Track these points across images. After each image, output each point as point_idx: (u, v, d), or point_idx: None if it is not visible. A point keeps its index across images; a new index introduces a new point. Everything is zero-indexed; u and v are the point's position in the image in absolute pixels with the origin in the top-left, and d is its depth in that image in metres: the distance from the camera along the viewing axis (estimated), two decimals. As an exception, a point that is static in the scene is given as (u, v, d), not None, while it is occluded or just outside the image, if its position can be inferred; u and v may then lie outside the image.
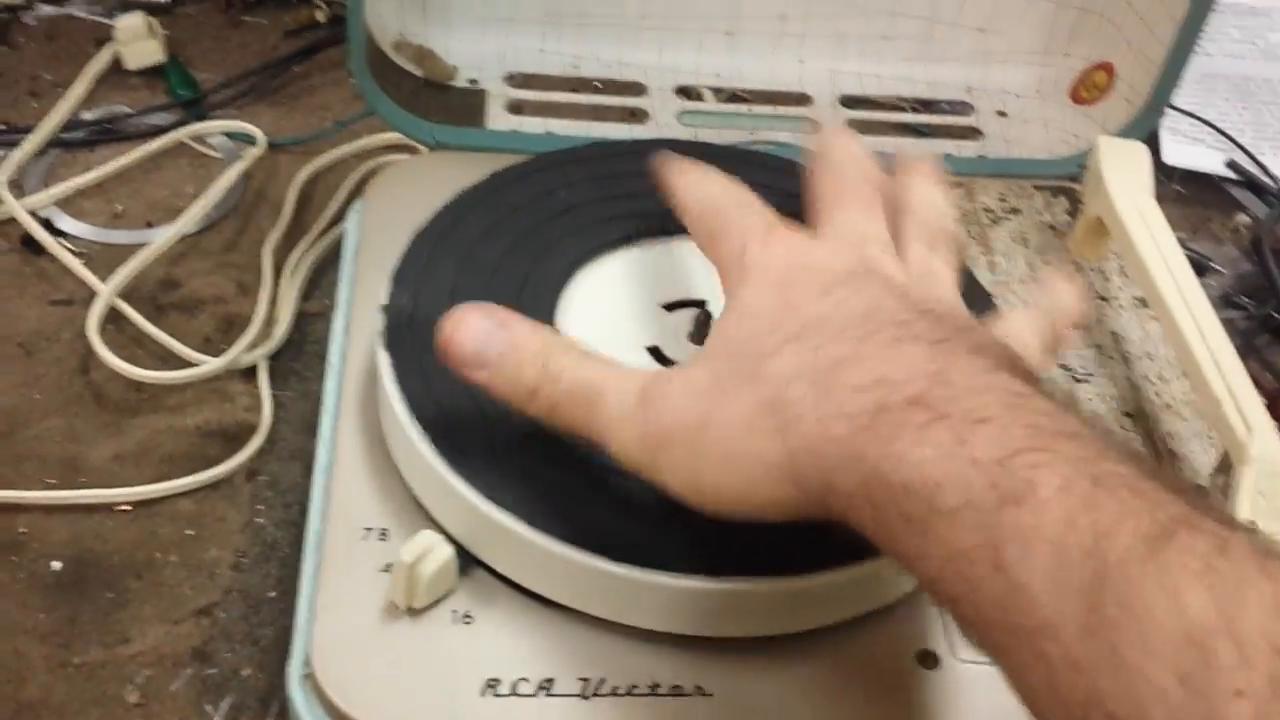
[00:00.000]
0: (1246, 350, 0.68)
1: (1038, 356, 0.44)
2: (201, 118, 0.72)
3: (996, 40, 0.69)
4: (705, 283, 0.51)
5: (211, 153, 0.70)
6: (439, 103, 0.64)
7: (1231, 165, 0.77)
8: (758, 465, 0.36)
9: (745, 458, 0.36)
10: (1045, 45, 0.69)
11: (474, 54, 0.66)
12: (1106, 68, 0.67)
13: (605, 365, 0.40)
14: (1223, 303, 0.71)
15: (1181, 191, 0.78)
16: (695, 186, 0.46)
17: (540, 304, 0.49)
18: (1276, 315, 0.69)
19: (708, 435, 0.37)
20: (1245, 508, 0.43)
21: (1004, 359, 0.36)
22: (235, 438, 0.56)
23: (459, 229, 0.51)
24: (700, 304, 0.50)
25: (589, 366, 0.40)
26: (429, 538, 0.42)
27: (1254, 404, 0.47)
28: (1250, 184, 0.77)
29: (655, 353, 0.49)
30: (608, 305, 0.50)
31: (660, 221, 0.52)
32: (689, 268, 0.51)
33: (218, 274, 0.63)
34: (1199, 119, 0.77)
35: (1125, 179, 0.55)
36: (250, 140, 0.70)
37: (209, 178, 0.68)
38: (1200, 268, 0.69)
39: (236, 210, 0.67)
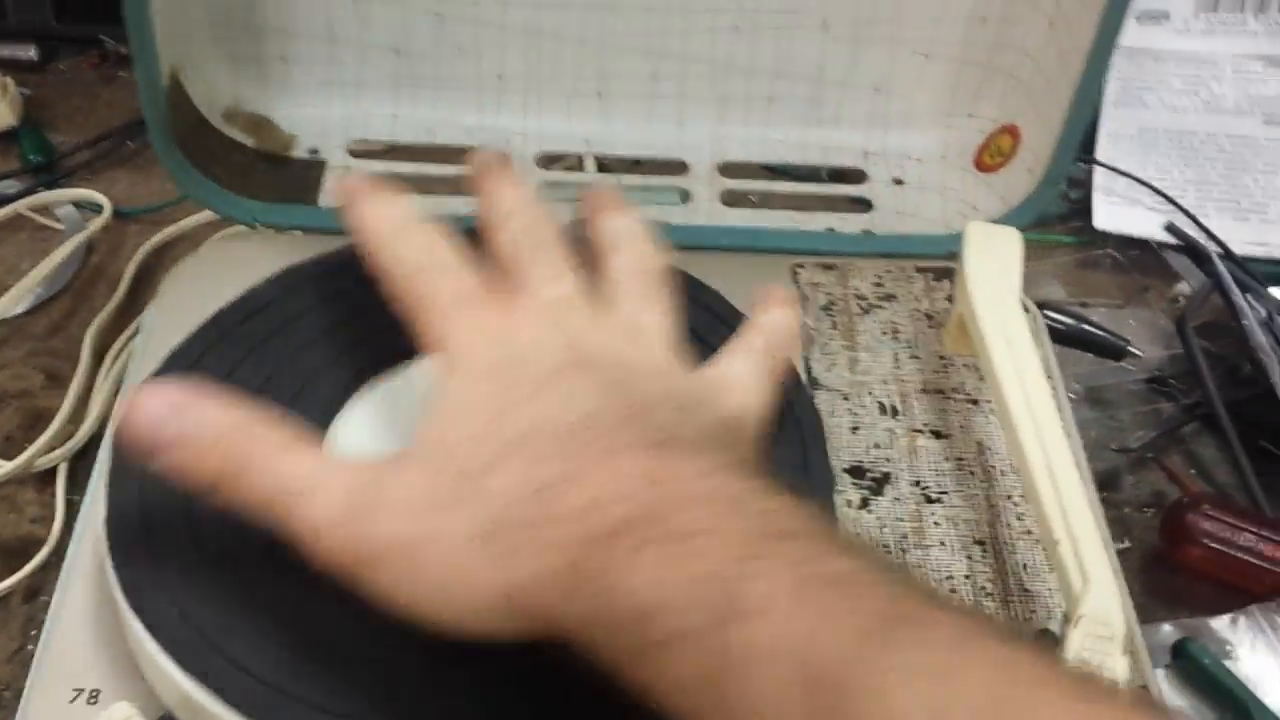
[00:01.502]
0: (1169, 441, 0.62)
1: (759, 397, 0.42)
2: (51, 185, 0.68)
3: (894, 100, 0.63)
4: None
5: (54, 224, 0.66)
6: (274, 176, 0.59)
7: (1171, 229, 0.71)
8: (478, 596, 0.33)
9: (465, 587, 0.34)
10: (949, 105, 0.63)
11: (318, 120, 0.61)
12: (1012, 131, 0.61)
13: (306, 459, 0.36)
14: (1148, 388, 0.64)
15: (1118, 257, 0.71)
16: (391, 243, 0.42)
17: (307, 419, 0.44)
18: (1204, 403, 0.62)
19: (425, 558, 0.34)
20: (1069, 680, 0.37)
21: (727, 445, 0.36)
22: (18, 552, 0.52)
23: (234, 334, 0.46)
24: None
25: (286, 461, 0.36)
26: (122, 711, 0.37)
27: (1095, 552, 0.41)
28: (1191, 250, 0.70)
29: None
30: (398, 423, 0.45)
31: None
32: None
33: (29, 363, 0.59)
34: (1131, 177, 0.71)
35: (989, 271, 0.49)
36: (98, 209, 0.66)
37: (49, 251, 0.64)
38: (1117, 351, 0.63)
39: (70, 288, 0.63)
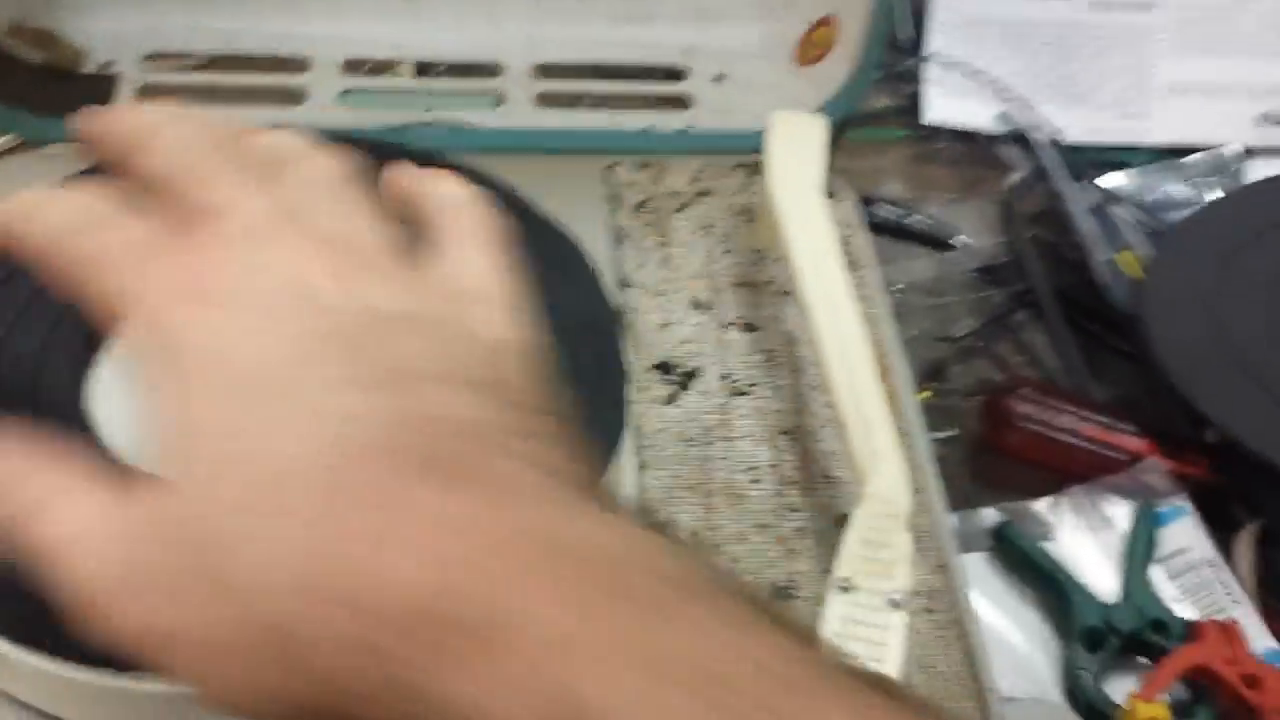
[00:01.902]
0: (998, 329, 0.62)
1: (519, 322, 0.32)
2: None
3: (714, -7, 0.62)
4: None
5: None
6: (65, 91, 0.57)
7: (1003, 119, 0.70)
8: (267, 706, 0.25)
9: (252, 698, 0.25)
10: (768, -1, 0.62)
11: (112, 33, 0.59)
12: (830, 22, 0.60)
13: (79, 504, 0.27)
14: (979, 276, 0.64)
15: (949, 150, 0.71)
16: (31, 218, 0.29)
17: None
18: (1031, 291, 0.62)
19: (195, 659, 0.25)
20: (849, 561, 0.37)
21: (524, 430, 0.27)
22: None
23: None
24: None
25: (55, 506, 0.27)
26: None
27: (884, 433, 0.40)
28: (1021, 139, 0.70)
29: None
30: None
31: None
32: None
33: None
34: (966, 69, 0.70)
35: (790, 159, 0.49)
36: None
37: None
38: (944, 242, 0.62)
39: None
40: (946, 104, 0.70)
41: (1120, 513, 0.54)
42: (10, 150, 0.61)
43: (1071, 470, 0.55)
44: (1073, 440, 0.55)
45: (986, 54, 0.72)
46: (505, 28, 0.62)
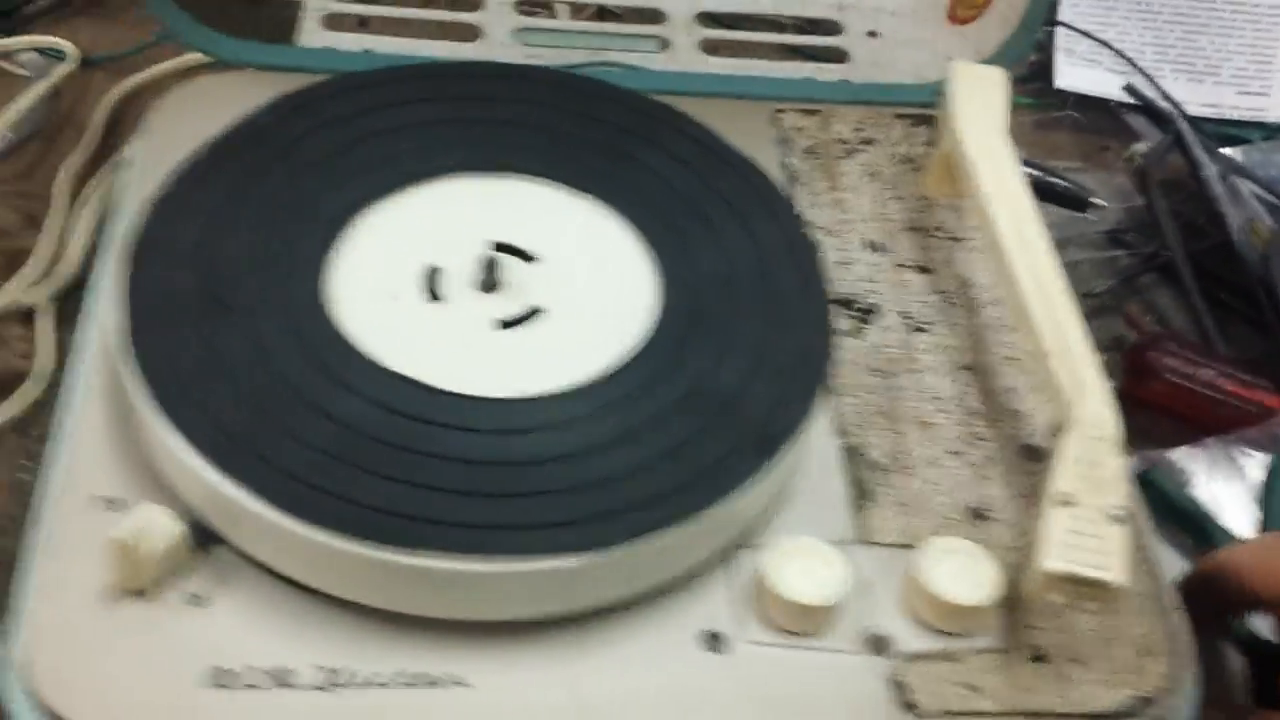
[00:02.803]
0: (1128, 290, 0.64)
1: None
2: (12, 32, 0.66)
3: (869, -48, 0.64)
4: (547, 231, 0.47)
5: (20, 71, 0.65)
6: (252, 17, 0.58)
7: (1130, 89, 0.72)
8: None
9: None
10: (921, -42, 0.64)
11: (292, -38, 0.61)
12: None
13: None
14: (1108, 239, 0.67)
15: (1077, 118, 0.73)
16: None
17: (313, 238, 0.44)
18: (1162, 253, 0.64)
19: None
20: (1067, 478, 0.39)
21: None
22: (7, 387, 0.52)
23: (233, 160, 0.46)
24: (515, 251, 0.46)
25: None
26: (149, 512, 0.38)
27: (1086, 360, 0.42)
28: (1148, 110, 0.72)
29: (430, 276, 0.45)
30: (413, 234, 0.46)
31: (473, 153, 0.47)
32: (534, 211, 0.47)
33: (4, 204, 0.58)
34: (1094, 38, 0.72)
35: (977, 109, 0.51)
36: (63, 56, 0.65)
37: (15, 98, 0.63)
38: (1080, 202, 0.64)
39: (40, 134, 0.62)
40: (1075, 72, 0.72)
41: (1253, 464, 0.56)
42: (196, 69, 0.64)
43: (1208, 422, 0.57)
44: (1212, 393, 0.57)
45: (1114, 26, 0.74)
46: (669, -25, 0.63)
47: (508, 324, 0.44)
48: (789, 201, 0.49)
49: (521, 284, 0.45)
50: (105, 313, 0.45)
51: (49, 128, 0.62)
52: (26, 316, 0.54)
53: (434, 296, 0.44)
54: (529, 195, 0.48)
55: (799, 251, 0.47)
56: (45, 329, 0.53)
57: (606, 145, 0.49)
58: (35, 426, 0.51)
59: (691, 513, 0.38)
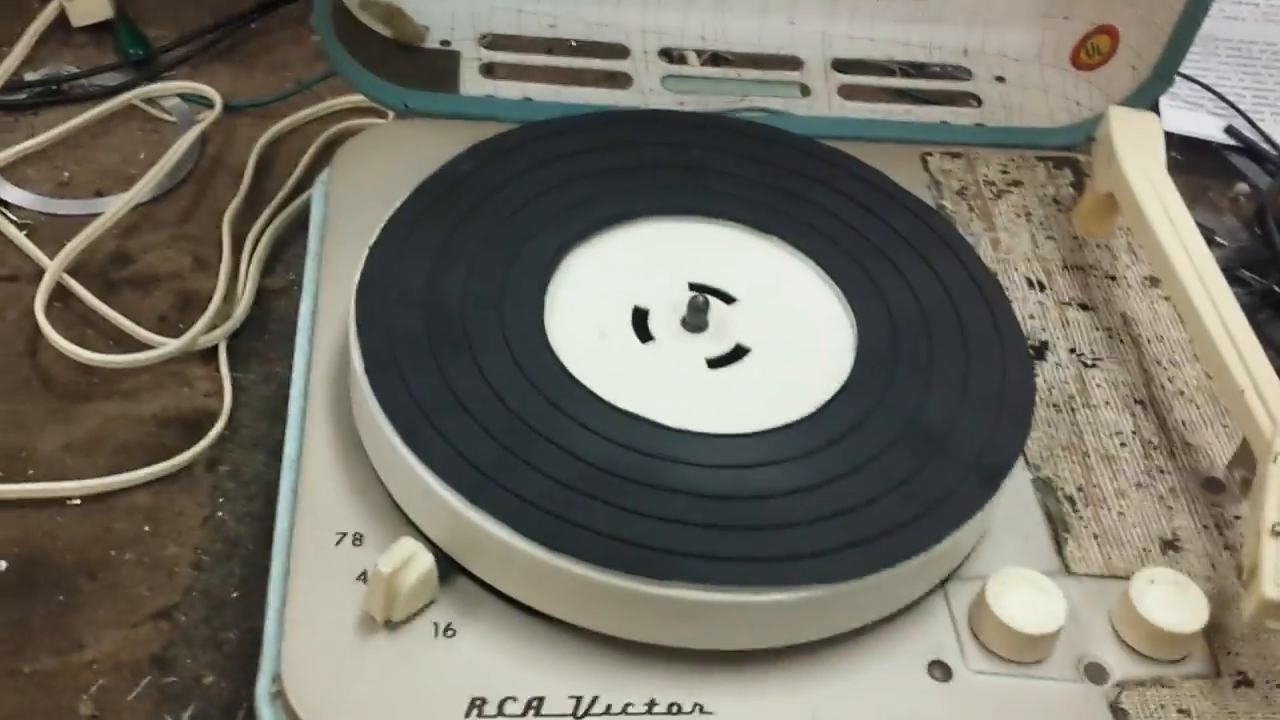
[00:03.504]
0: (1248, 326, 0.66)
1: None
2: (153, 78, 0.68)
3: (995, 1, 0.66)
4: (739, 272, 0.49)
5: (165, 116, 0.66)
6: (407, 65, 0.60)
7: (1230, 131, 0.74)
8: None
9: None
10: (1046, 7, 0.66)
11: (445, 13, 0.62)
12: (1110, 31, 0.64)
13: None
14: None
15: (1179, 159, 0.75)
16: None
17: (530, 279, 0.46)
18: (1278, 290, 0.66)
19: None
20: (1274, 507, 0.41)
21: None
22: (194, 425, 0.53)
23: (441, 204, 0.48)
24: (713, 291, 0.47)
25: None
26: (408, 545, 0.39)
27: (1277, 393, 0.44)
28: (1250, 151, 0.74)
29: (638, 316, 0.46)
30: (614, 274, 0.47)
31: (666, 198, 0.49)
32: (723, 252, 0.49)
33: (173, 247, 0.60)
34: (1198, 83, 0.75)
35: (1138, 151, 0.53)
36: (206, 102, 0.66)
37: (162, 143, 0.64)
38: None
39: (191, 177, 0.64)
40: (1178, 115, 0.74)
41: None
42: (342, 114, 0.65)
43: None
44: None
45: (1214, 70, 0.76)
46: (801, 25, 0.65)
47: (716, 363, 0.45)
48: (966, 241, 0.50)
49: (723, 324, 0.47)
50: (323, 351, 0.46)
51: (198, 171, 0.64)
52: (201, 355, 0.55)
53: (644, 336, 0.45)
54: (719, 238, 0.49)
55: (985, 288, 0.48)
56: (225, 369, 0.54)
57: (786, 189, 0.51)
58: (223, 463, 0.52)
59: (925, 546, 0.40)
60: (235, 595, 0.48)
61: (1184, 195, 0.72)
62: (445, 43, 0.62)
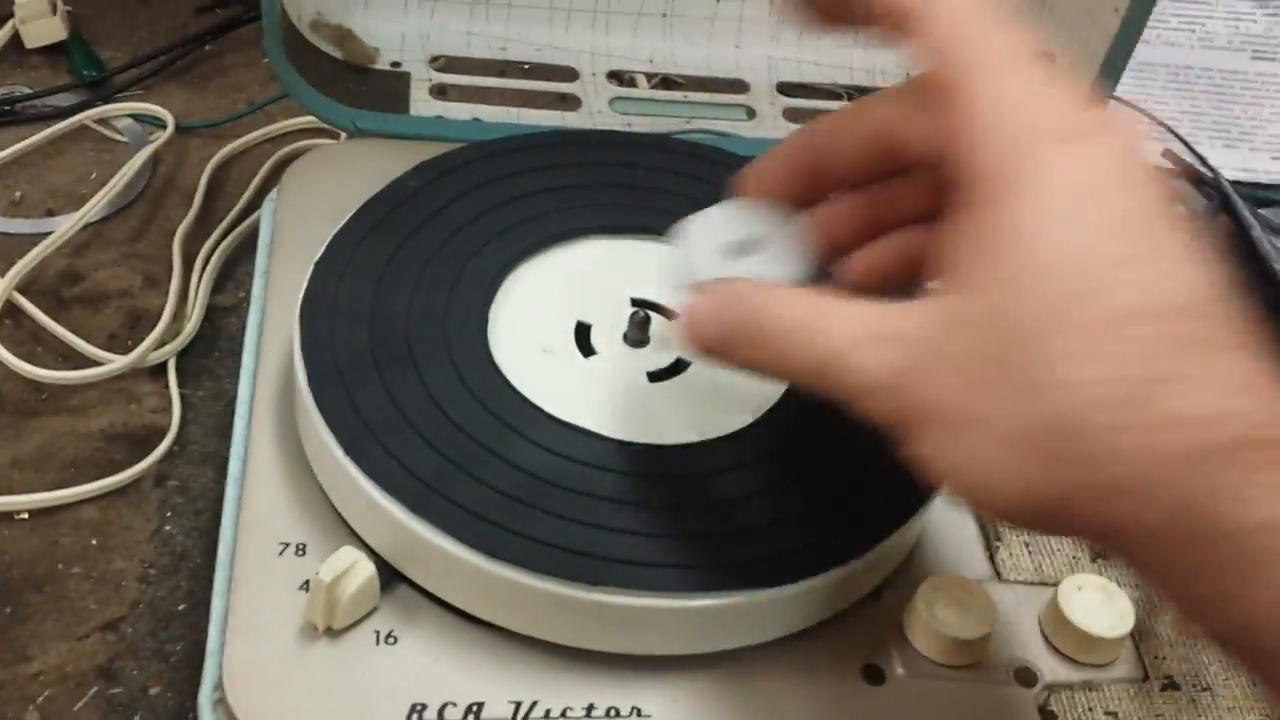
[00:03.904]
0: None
1: None
2: (107, 99, 0.69)
3: (936, 27, 0.67)
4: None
5: (117, 136, 0.67)
6: (358, 86, 0.61)
7: (1169, 155, 0.76)
8: (1019, 494, 0.30)
9: (1005, 483, 0.30)
10: (985, 32, 0.67)
11: (396, 35, 0.63)
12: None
13: (842, 325, 0.33)
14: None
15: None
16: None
17: (474, 295, 0.47)
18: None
19: (967, 439, 0.30)
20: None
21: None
22: (142, 441, 0.53)
23: (387, 221, 0.48)
24: (662, 310, 0.48)
25: (823, 336, 0.33)
26: (349, 555, 0.40)
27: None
28: (1188, 175, 0.76)
29: (581, 331, 0.47)
30: (558, 290, 0.48)
31: (612, 216, 0.50)
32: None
33: (123, 265, 0.60)
34: (1136, 108, 0.76)
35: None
36: (159, 123, 0.67)
37: (114, 163, 0.65)
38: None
39: (143, 197, 0.64)
40: (1118, 139, 0.76)
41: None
42: (293, 134, 0.66)
43: None
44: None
45: (1152, 95, 0.78)
46: (748, 49, 0.67)
47: (656, 376, 0.46)
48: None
49: (665, 338, 0.47)
50: (268, 367, 0.47)
51: (150, 191, 0.64)
52: (150, 372, 0.56)
53: (587, 351, 0.46)
54: (662, 255, 0.50)
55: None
56: (174, 385, 0.55)
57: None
58: (171, 478, 0.53)
59: (855, 553, 0.41)
60: (182, 608, 0.48)
61: (1123, 217, 0.75)
62: (396, 64, 0.63)
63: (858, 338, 0.32)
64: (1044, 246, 0.30)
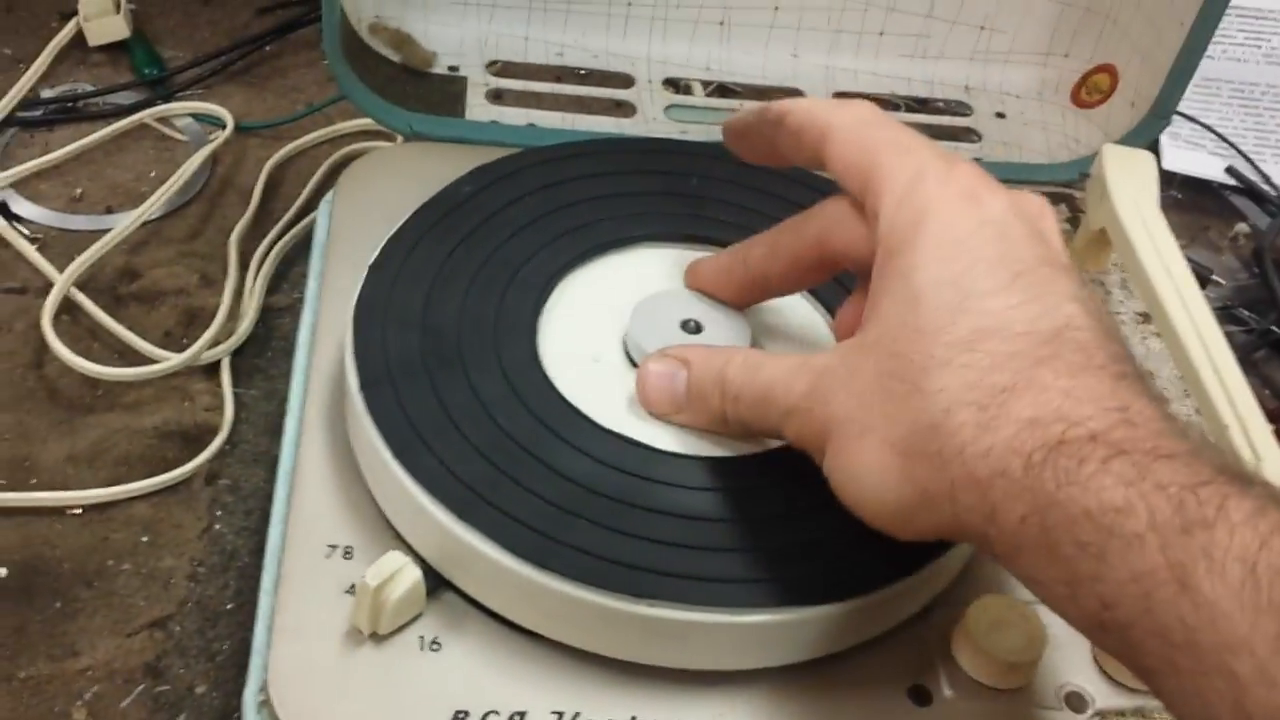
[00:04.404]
0: (1243, 365, 0.66)
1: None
2: (167, 98, 0.69)
3: (997, 38, 0.66)
4: None
5: (177, 135, 0.67)
6: (416, 90, 0.61)
7: (1231, 172, 0.75)
8: (894, 489, 0.35)
9: (885, 480, 0.35)
10: (1047, 45, 0.67)
11: (454, 40, 0.63)
12: (1109, 70, 0.65)
13: (776, 363, 0.40)
14: (1221, 315, 0.69)
15: (1179, 198, 0.76)
16: (841, 109, 0.41)
17: (525, 302, 0.46)
18: (1276, 329, 0.67)
19: (855, 448, 0.36)
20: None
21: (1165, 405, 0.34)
22: (195, 439, 0.54)
23: (441, 226, 0.49)
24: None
25: (761, 372, 0.40)
26: (395, 559, 0.40)
27: (1261, 429, 0.44)
28: (1251, 192, 0.74)
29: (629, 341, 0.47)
30: (609, 299, 0.48)
31: (664, 225, 0.50)
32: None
33: (180, 264, 0.60)
34: (1200, 123, 0.75)
35: (1131, 189, 0.53)
36: (218, 123, 0.67)
37: (173, 161, 0.65)
38: (1201, 279, 0.66)
39: (201, 196, 0.65)
40: (1180, 155, 0.75)
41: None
42: (350, 137, 0.66)
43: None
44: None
45: (1216, 111, 0.76)
46: (804, 58, 0.66)
47: (707, 387, 0.46)
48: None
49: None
50: (320, 368, 0.47)
51: (208, 190, 0.65)
52: (204, 371, 0.56)
53: (634, 361, 0.46)
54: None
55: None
56: (227, 384, 0.55)
57: (782, 218, 0.51)
58: (222, 477, 0.53)
59: (905, 572, 0.40)
60: (230, 607, 0.49)
61: (1184, 234, 0.74)
62: (453, 69, 0.63)
63: (784, 372, 0.39)
64: (927, 280, 0.36)
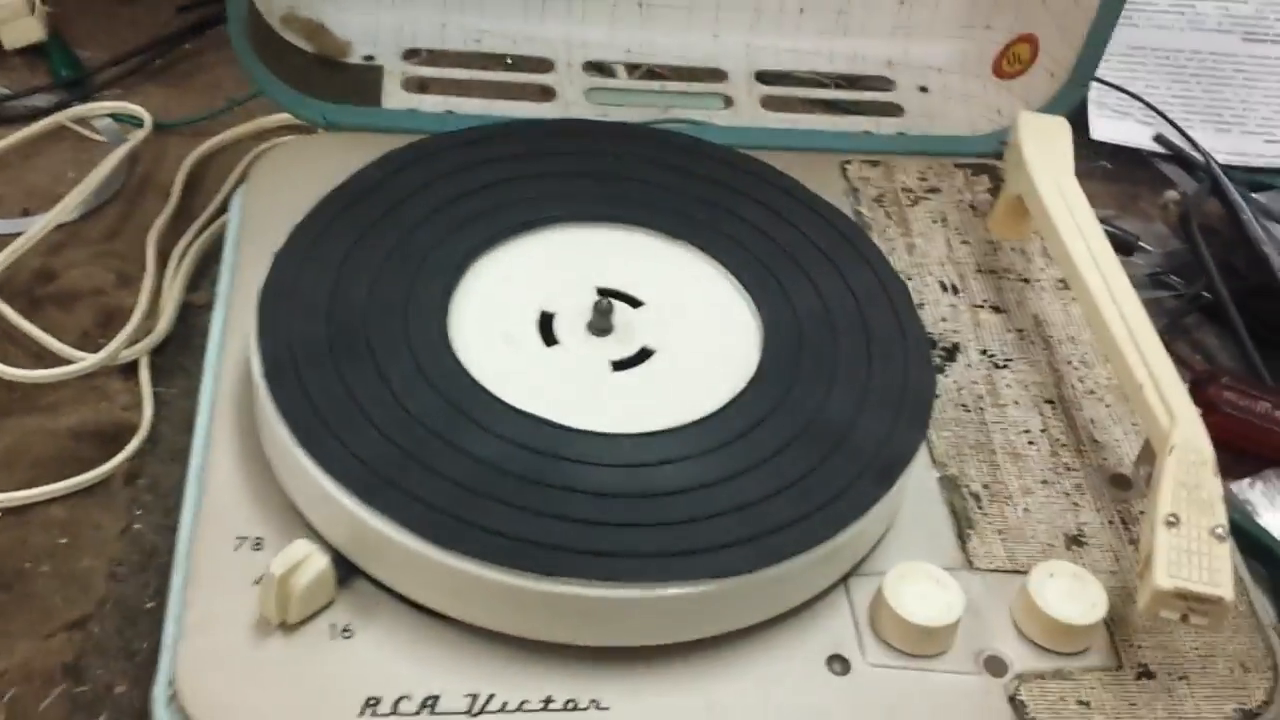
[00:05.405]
0: (1174, 330, 0.67)
1: None
2: (86, 99, 0.68)
3: (917, 12, 0.66)
4: (648, 277, 0.49)
5: (95, 136, 0.67)
6: (332, 80, 0.61)
7: (1160, 140, 0.75)
8: None
9: None
10: (967, 17, 0.67)
11: (370, 28, 0.63)
12: (1030, 40, 0.65)
13: None
14: (1151, 282, 0.69)
15: (1109, 167, 0.76)
16: None
17: (435, 285, 0.46)
18: (1206, 295, 0.67)
19: None
20: (1167, 499, 0.41)
21: None
22: (113, 439, 0.53)
23: (350, 212, 0.48)
24: (621, 296, 0.48)
25: None
26: (302, 547, 0.39)
27: (1177, 390, 0.44)
28: (1179, 159, 0.75)
29: (545, 320, 0.47)
30: (522, 280, 0.48)
31: (576, 205, 0.49)
32: (633, 258, 0.50)
33: (97, 264, 0.60)
34: (1126, 92, 0.75)
35: (1046, 156, 0.53)
36: (137, 122, 0.67)
37: (91, 162, 0.64)
38: (1128, 246, 0.67)
39: (120, 196, 0.64)
40: (1108, 124, 0.75)
41: (1311, 494, 0.58)
42: (270, 132, 0.66)
43: (1266, 454, 0.59)
44: (1269, 425, 0.59)
45: (1143, 79, 0.77)
46: (725, 38, 0.66)
47: (621, 365, 0.46)
48: (877, 247, 0.51)
49: (630, 327, 0.47)
50: (231, 361, 0.46)
51: (127, 190, 0.64)
52: (122, 370, 0.56)
53: (549, 340, 0.46)
54: (629, 244, 0.50)
55: (893, 293, 0.49)
56: (146, 383, 0.55)
57: (702, 197, 0.51)
58: (141, 476, 0.52)
59: (818, 541, 0.40)
60: (150, 606, 0.48)
61: (1114, 203, 0.74)
62: (369, 58, 0.62)
63: None
64: None
